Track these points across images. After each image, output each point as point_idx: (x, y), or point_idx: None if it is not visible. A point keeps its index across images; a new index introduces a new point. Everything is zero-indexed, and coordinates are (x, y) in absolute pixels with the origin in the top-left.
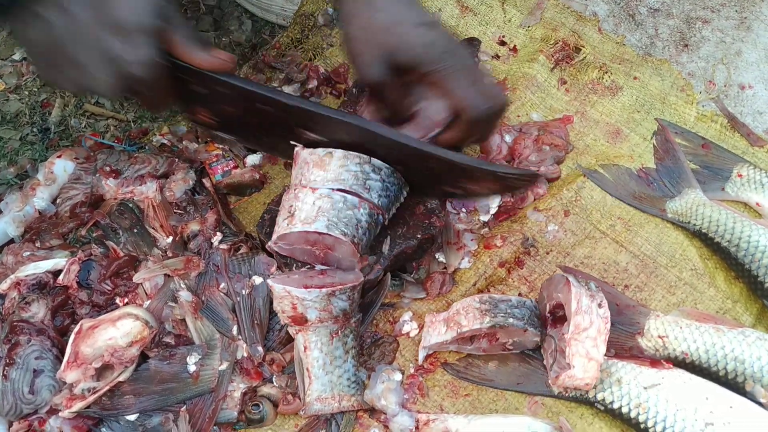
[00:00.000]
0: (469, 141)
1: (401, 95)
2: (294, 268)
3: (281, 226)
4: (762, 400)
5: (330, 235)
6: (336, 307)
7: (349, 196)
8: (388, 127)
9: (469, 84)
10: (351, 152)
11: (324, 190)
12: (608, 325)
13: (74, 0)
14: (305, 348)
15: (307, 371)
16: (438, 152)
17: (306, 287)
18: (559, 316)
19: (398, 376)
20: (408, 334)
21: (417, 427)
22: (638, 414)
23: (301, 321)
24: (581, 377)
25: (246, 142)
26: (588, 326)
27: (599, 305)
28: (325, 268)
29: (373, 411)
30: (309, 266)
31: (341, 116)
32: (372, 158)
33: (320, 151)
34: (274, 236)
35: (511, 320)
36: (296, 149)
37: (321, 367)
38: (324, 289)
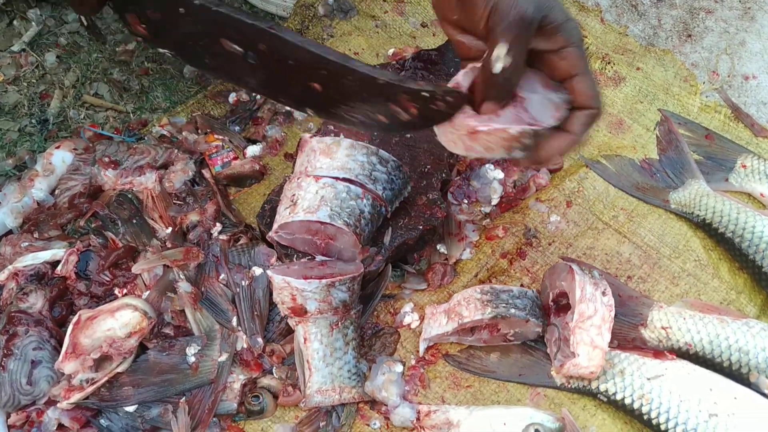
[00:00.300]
0: (574, 146)
1: (523, 61)
2: (294, 259)
3: (282, 215)
4: (766, 391)
5: (332, 225)
6: (336, 298)
7: (353, 186)
8: (305, 38)
9: (591, 76)
10: (358, 142)
11: (327, 179)
12: (612, 313)
13: None
14: (305, 339)
15: (308, 363)
16: (358, 67)
17: (306, 278)
18: (562, 305)
19: (399, 368)
20: (409, 325)
21: (418, 419)
22: (641, 405)
23: (300, 312)
24: (586, 365)
25: (182, 58)
26: (592, 314)
27: (603, 293)
28: (326, 259)
29: (374, 402)
30: (309, 257)
31: (258, 21)
32: (380, 150)
33: (328, 139)
34: (275, 225)
35: (513, 311)
36: (303, 136)
37: (321, 359)
38: (324, 280)
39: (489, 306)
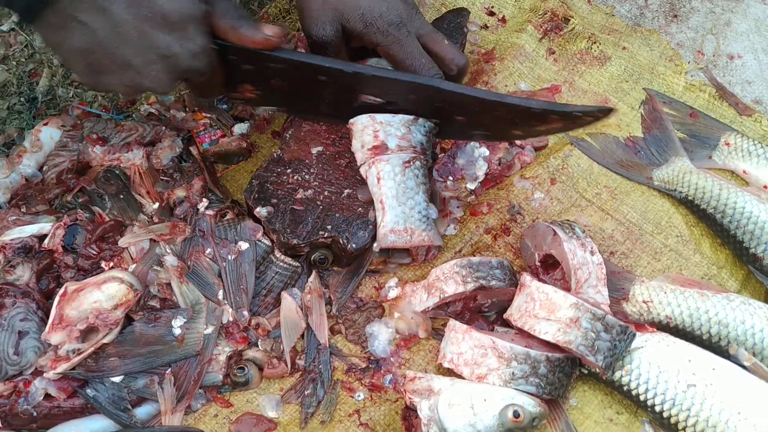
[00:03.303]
0: None
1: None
2: (281, 237)
3: None
4: (746, 363)
5: None
6: (414, 137)
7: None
8: (451, 82)
9: (419, 54)
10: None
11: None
12: (604, 270)
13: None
14: (378, 179)
15: (381, 204)
16: (505, 100)
17: None
18: (550, 264)
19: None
20: (393, 299)
21: (403, 383)
22: (621, 376)
23: (381, 149)
24: None
25: (291, 113)
26: (588, 277)
27: (591, 252)
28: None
29: (364, 370)
30: None
31: (401, 76)
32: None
33: None
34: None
35: (494, 282)
36: None
37: (394, 197)
38: (407, 116)
39: (470, 278)
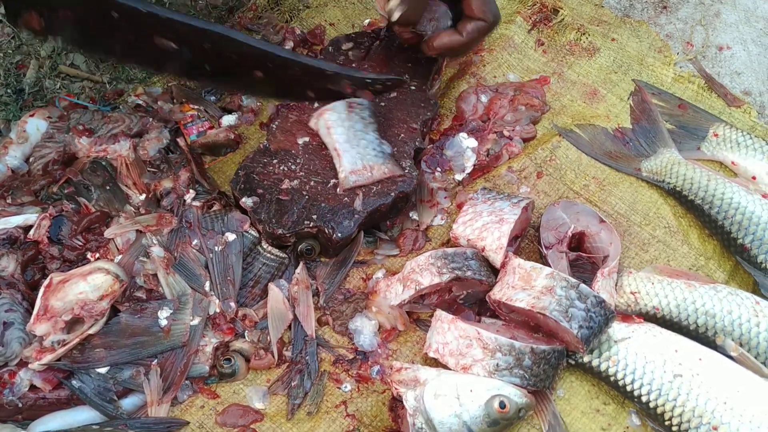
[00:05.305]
0: (461, 51)
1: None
2: (267, 227)
3: None
4: (732, 354)
5: None
6: None
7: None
8: (240, 32)
9: None
10: None
11: None
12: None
13: None
14: (328, 129)
15: (336, 151)
16: (300, 59)
17: None
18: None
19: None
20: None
21: (390, 374)
22: (608, 367)
23: None
24: None
25: (81, 48)
26: (615, 270)
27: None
28: None
29: (351, 362)
30: None
31: (195, 22)
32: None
33: None
34: None
35: (469, 273)
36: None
37: (346, 141)
38: None
39: (445, 269)
